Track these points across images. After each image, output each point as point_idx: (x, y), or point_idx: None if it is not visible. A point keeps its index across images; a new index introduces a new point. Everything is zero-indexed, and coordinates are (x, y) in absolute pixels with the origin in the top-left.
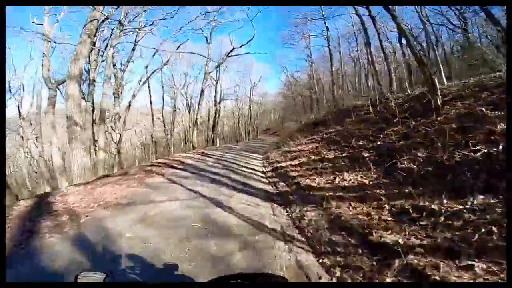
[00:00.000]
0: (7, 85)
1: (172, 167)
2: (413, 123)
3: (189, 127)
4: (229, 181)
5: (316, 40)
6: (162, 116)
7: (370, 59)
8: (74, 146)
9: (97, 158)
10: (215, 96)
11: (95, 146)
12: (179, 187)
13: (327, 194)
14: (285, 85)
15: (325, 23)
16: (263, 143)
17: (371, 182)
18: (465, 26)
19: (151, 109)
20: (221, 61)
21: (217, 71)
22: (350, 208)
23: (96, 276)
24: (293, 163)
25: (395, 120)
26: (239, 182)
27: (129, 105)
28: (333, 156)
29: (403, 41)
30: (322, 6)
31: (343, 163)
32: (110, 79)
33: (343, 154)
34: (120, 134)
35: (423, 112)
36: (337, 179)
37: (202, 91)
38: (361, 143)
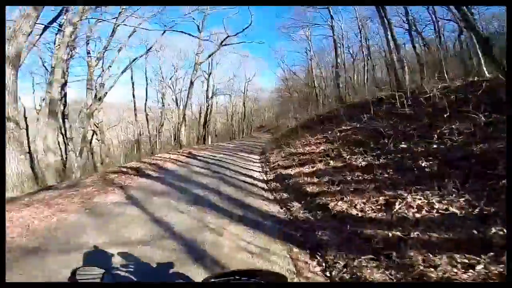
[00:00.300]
0: None
1: (144, 175)
2: (483, 118)
3: (178, 123)
4: (219, 200)
5: (316, 31)
6: (145, 111)
7: (388, 48)
8: (7, 148)
9: (46, 162)
10: (207, 91)
11: (66, 145)
12: (139, 214)
13: (390, 234)
14: (281, 80)
15: (329, 11)
16: (259, 141)
17: (463, 212)
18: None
19: (134, 103)
20: (214, 49)
21: (209, 64)
22: (459, 265)
23: (95, 272)
24: (305, 170)
25: (445, 115)
26: (233, 201)
27: (96, 96)
28: (364, 162)
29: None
30: None
31: (386, 175)
32: (63, 62)
33: (380, 161)
34: (94, 131)
35: (486, 105)
36: (397, 205)
37: (192, 83)
38: (404, 146)
